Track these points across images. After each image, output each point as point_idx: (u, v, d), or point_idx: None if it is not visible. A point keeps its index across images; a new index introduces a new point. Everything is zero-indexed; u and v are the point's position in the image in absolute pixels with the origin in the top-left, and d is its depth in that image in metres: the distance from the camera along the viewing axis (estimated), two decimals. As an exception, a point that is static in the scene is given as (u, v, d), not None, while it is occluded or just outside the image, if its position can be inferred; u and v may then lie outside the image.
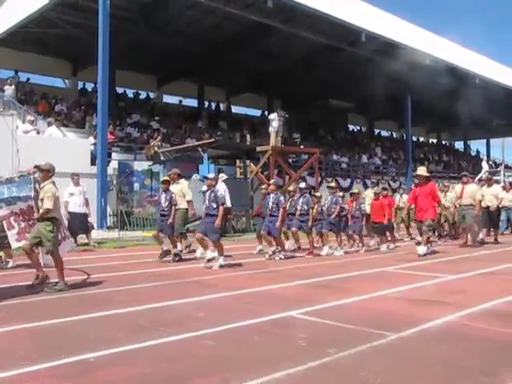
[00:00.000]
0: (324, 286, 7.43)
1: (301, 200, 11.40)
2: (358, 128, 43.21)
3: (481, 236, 13.84)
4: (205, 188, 9.92)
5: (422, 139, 47.62)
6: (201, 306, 5.94)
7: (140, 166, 19.37)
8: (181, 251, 10.79)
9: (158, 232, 10.47)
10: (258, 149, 20.22)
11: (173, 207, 10.26)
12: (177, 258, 10.17)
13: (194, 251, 11.06)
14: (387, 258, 10.89)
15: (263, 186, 13.54)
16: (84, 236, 13.15)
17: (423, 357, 4.05)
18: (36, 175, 7.69)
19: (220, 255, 9.25)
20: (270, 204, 10.73)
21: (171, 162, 18.67)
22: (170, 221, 10.16)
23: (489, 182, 15.08)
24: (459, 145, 51.87)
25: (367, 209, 13.12)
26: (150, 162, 19.72)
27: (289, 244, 12.06)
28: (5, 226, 7.82)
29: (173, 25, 23.32)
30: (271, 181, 11.65)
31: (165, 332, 4.68)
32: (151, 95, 32.13)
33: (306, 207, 11.23)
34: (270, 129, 20.12)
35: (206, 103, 33.23)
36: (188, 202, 11.51)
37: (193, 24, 23.45)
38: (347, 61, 24.24)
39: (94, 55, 18.05)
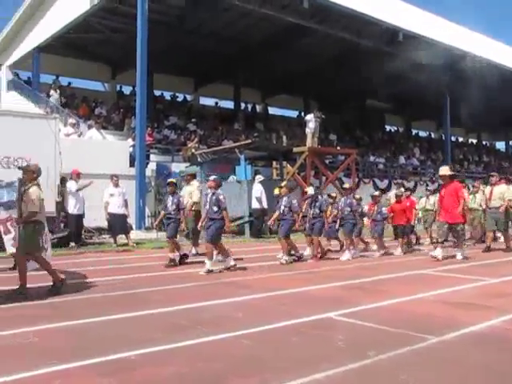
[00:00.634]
0: (361, 287, 7.37)
1: (314, 204, 10.93)
2: (395, 128, 42.66)
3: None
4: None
5: (461, 139, 46.68)
6: (238, 307, 5.97)
7: (178, 167, 19.58)
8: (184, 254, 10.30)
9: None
10: (295, 150, 20.20)
11: (181, 211, 9.91)
12: (172, 264, 9.67)
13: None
14: (424, 260, 10.67)
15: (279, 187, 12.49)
16: (123, 236, 13.38)
17: (464, 361, 3.99)
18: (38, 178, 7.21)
19: (209, 259, 8.87)
20: (282, 207, 10.38)
21: (208, 163, 18.83)
22: (182, 226, 9.99)
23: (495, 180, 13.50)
24: (500, 145, 50.65)
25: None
26: (188, 164, 19.92)
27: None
28: (1, 230, 7.51)
29: (208, 27, 23.52)
30: (283, 183, 11.19)
31: (202, 332, 4.73)
32: (188, 97, 32.51)
33: (318, 211, 10.81)
34: (307, 130, 20.08)
35: (243, 105, 33.35)
36: (194, 203, 11.38)
37: (228, 26, 23.62)
38: (384, 61, 23.95)
39: (133, 59, 18.39)
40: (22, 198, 6.79)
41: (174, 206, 9.86)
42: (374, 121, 36.83)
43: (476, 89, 26.57)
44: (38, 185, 6.92)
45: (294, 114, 36.58)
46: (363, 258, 11.21)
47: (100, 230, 14.92)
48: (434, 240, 11.44)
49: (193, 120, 26.68)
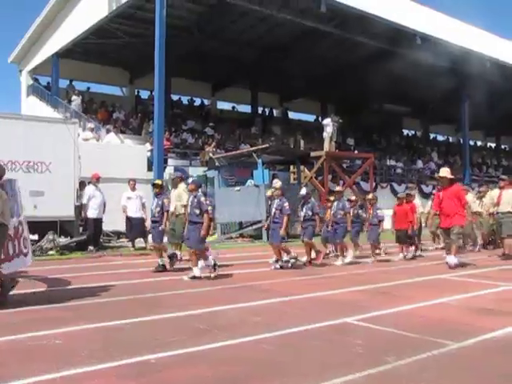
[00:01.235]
0: (380, 292, 7.33)
1: (305, 206, 10.60)
2: (413, 132, 42.40)
3: None
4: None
5: (479, 143, 46.23)
6: (257, 311, 5.98)
7: (195, 171, 19.69)
8: (180, 259, 10.13)
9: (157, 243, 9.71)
10: (312, 154, 20.20)
11: (165, 213, 9.47)
12: (160, 269, 9.35)
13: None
14: (442, 265, 10.44)
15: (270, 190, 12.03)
16: (142, 240, 13.45)
17: (485, 368, 3.94)
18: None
19: (194, 266, 8.49)
20: (274, 210, 9.96)
21: (226, 167, 18.90)
22: (162, 227, 9.44)
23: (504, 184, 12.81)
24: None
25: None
26: (205, 168, 20.01)
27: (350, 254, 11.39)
28: None
29: (226, 32, 23.67)
30: (277, 184, 10.46)
31: (223, 336, 4.74)
32: (205, 102, 32.67)
33: (310, 213, 10.46)
34: (324, 134, 20.08)
35: (260, 109, 33.41)
36: (184, 206, 10.31)
37: (246, 31, 23.76)
38: (402, 64, 23.88)
39: (151, 64, 18.57)
40: None
41: (159, 209, 9.49)
42: (391, 125, 36.68)
43: (494, 92, 26.35)
44: (2, 185, 6.42)
45: (311, 118, 36.65)
46: (358, 264, 10.78)
47: (118, 234, 15.02)
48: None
49: (210, 124, 26.82)
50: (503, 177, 13.25)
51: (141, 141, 21.81)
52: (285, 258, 9.98)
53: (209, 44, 24.31)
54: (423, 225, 13.55)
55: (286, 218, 9.72)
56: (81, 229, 13.60)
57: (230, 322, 5.40)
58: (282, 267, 9.84)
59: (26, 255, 6.75)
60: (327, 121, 20.31)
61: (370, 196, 12.35)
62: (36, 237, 12.46)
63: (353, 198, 12.59)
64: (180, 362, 4.05)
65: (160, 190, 9.73)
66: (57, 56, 24.90)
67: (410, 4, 24.93)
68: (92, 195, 13.10)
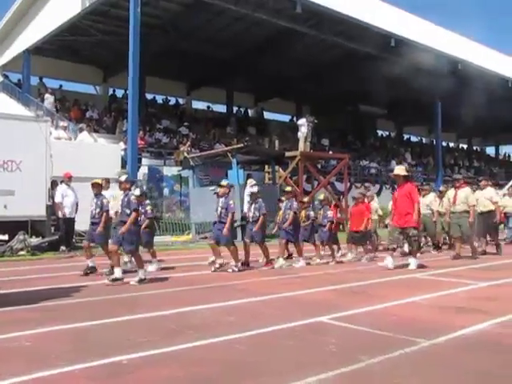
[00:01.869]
0: (353, 292, 7.38)
1: (253, 206, 10.21)
2: (387, 133, 42.85)
3: (482, 246, 12.66)
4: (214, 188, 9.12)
5: (452, 144, 46.99)
6: (231, 311, 5.96)
7: (170, 171, 19.57)
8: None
9: (88, 243, 9.20)
10: (287, 154, 20.23)
11: (104, 214, 8.96)
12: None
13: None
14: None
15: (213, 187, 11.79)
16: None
17: (456, 365, 3.99)
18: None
19: (140, 268, 8.11)
20: (219, 209, 9.51)
21: (200, 167, 18.82)
22: (99, 229, 8.88)
23: (483, 184, 13.33)
24: (491, 150, 51.05)
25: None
26: (180, 168, 19.90)
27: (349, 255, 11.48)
28: None
29: (202, 31, 23.56)
30: (222, 182, 10.10)
31: (196, 336, 4.70)
32: (180, 101, 32.49)
33: (257, 213, 10.06)
34: (299, 134, 20.13)
35: (235, 109, 33.38)
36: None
37: (222, 30, 23.69)
38: (376, 66, 24.11)
39: (125, 62, 18.38)
40: None
41: (98, 209, 9.02)
42: (366, 126, 37.02)
43: (467, 95, 26.78)
44: None
45: (286, 118, 36.74)
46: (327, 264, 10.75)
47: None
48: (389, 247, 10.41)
49: (185, 124, 26.69)
50: (458, 176, 13.36)
51: (115, 140, 21.57)
52: (219, 260, 9.58)
53: (184, 43, 24.16)
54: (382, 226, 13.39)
55: (230, 217, 9.37)
56: (53, 229, 13.39)
57: (203, 322, 5.36)
58: (216, 270, 9.46)
59: None
60: (302, 121, 20.36)
61: (322, 197, 11.98)
62: (6, 237, 12.25)
63: (305, 199, 12.30)
64: (152, 363, 3.99)
65: (99, 190, 9.22)
66: (28, 52, 24.44)
67: (384, 6, 25.16)
68: (64, 194, 12.89)
